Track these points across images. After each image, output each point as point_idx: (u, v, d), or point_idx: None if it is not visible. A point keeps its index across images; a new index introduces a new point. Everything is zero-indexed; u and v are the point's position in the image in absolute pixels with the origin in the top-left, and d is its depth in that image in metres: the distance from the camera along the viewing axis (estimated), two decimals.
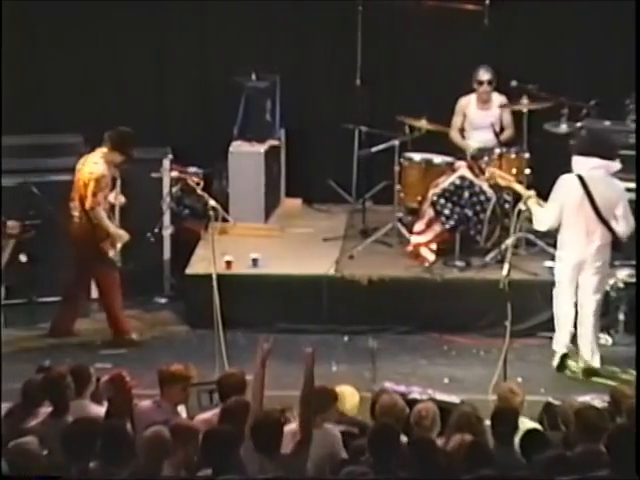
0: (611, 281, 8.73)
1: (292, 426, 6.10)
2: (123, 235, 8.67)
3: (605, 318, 8.81)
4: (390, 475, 5.49)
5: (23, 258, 8.64)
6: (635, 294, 8.57)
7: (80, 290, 8.87)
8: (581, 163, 8.20)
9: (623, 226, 8.11)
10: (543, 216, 8.19)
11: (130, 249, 8.83)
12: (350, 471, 5.49)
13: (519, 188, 8.37)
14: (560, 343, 8.33)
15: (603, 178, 8.13)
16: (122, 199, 8.82)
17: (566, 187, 8.15)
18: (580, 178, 8.09)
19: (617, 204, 8.08)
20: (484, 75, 9.77)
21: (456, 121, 9.93)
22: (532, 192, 8.25)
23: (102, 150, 8.62)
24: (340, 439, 6.10)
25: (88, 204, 8.49)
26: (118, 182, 8.78)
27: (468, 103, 9.92)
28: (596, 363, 8.24)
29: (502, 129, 9.93)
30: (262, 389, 5.96)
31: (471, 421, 6.07)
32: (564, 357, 8.28)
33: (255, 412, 5.84)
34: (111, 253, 8.63)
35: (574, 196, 8.09)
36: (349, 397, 6.69)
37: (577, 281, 8.19)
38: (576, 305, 8.26)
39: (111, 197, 8.71)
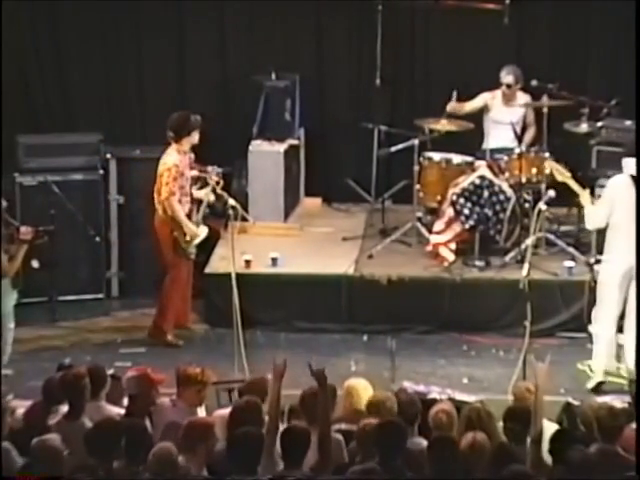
0: None
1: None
2: (196, 231, 8.69)
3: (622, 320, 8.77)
4: (397, 474, 5.45)
5: (35, 264, 8.69)
6: None
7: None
8: (630, 164, 8.01)
9: None
10: (594, 214, 8.03)
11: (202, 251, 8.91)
12: (355, 470, 5.45)
13: (574, 184, 8.17)
14: (600, 363, 8.04)
15: None
16: (212, 197, 8.80)
17: (617, 187, 7.99)
18: (633, 178, 7.93)
19: None
20: (505, 78, 9.71)
21: (470, 102, 9.73)
22: (587, 191, 8.11)
23: (173, 145, 8.69)
24: (342, 444, 5.93)
25: (163, 194, 8.57)
26: (213, 179, 8.75)
27: (493, 98, 9.84)
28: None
29: (525, 128, 9.88)
30: (278, 406, 5.84)
31: (481, 417, 6.02)
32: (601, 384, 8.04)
33: (270, 430, 5.72)
34: (184, 245, 8.65)
35: (626, 196, 7.91)
36: (362, 391, 6.49)
37: (625, 290, 7.96)
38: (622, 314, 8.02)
39: (200, 193, 8.73)
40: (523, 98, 9.84)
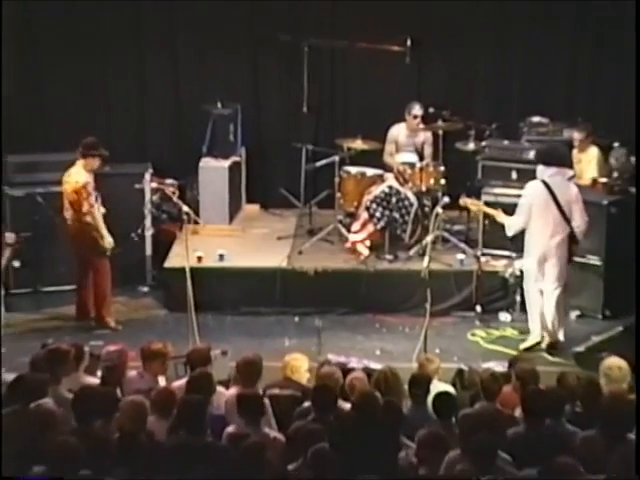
0: (510, 270, 8.91)
1: (232, 391, 6.10)
2: (110, 239, 8.60)
3: (505, 300, 9.00)
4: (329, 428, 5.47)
5: (16, 264, 8.81)
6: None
7: (86, 279, 8.80)
8: (543, 171, 8.12)
9: (578, 222, 8.03)
10: (514, 221, 8.10)
11: (119, 247, 8.78)
12: (297, 427, 5.49)
13: (488, 210, 8.36)
14: (534, 329, 8.20)
15: (561, 182, 8.08)
16: (102, 209, 8.69)
17: (533, 192, 8.08)
18: (544, 183, 8.07)
19: (574, 203, 8.03)
20: (419, 110, 9.83)
21: (388, 148, 9.93)
22: (499, 210, 8.27)
23: (80, 162, 8.60)
24: (269, 409, 5.90)
25: (85, 208, 8.48)
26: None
27: (399, 132, 10.00)
28: (561, 337, 8.20)
29: (423, 147, 10.01)
30: None
31: (388, 377, 6.10)
32: (537, 344, 8.20)
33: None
34: (101, 242, 8.55)
35: (541, 199, 8.03)
36: (301, 363, 6.51)
37: (543, 271, 8.10)
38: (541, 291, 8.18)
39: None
40: (421, 125, 10.01)
